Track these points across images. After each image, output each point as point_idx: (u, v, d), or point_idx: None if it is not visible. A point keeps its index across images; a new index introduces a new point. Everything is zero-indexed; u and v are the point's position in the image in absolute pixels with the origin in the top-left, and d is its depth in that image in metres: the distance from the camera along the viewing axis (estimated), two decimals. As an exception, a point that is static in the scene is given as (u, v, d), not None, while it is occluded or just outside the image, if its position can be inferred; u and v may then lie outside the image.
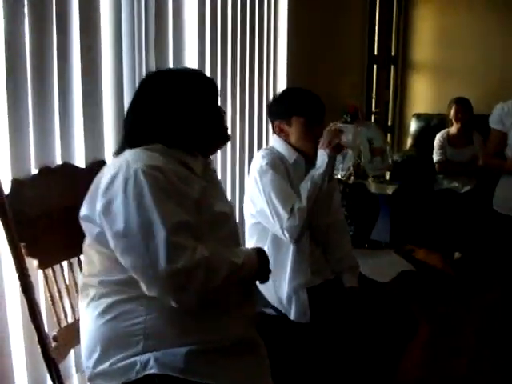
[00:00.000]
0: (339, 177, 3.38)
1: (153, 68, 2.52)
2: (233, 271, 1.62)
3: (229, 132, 1.97)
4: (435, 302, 4.02)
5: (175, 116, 1.75)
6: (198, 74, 1.90)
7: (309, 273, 2.52)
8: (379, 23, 5.41)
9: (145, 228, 1.50)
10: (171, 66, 2.68)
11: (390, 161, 3.49)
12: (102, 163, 2.16)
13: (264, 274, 1.84)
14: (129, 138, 1.77)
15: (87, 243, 1.71)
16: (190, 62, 2.79)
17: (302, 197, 2.40)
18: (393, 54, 6.14)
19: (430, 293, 4.05)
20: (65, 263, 1.95)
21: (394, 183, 4.86)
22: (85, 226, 1.67)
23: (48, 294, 1.86)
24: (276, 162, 2.45)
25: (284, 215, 2.37)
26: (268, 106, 2.64)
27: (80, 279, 1.82)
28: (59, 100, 2.04)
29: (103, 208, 1.56)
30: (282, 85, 3.54)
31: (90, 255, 1.69)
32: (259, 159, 2.48)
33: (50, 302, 1.86)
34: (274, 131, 2.59)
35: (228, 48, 3.04)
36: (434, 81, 6.21)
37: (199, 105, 1.79)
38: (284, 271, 2.51)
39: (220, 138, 1.91)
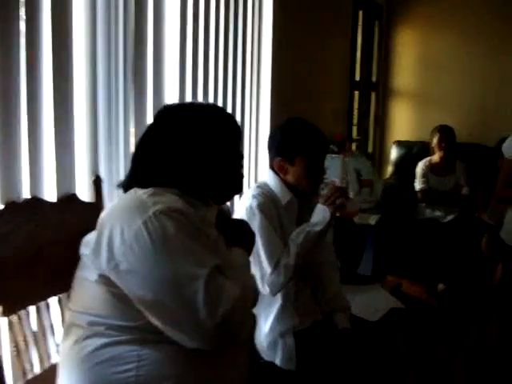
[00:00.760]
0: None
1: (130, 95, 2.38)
2: (253, 296, 1.65)
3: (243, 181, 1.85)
4: (422, 340, 3.89)
5: (195, 158, 1.62)
6: (219, 110, 1.77)
7: (296, 316, 2.39)
8: (361, 49, 5.33)
9: (178, 276, 1.37)
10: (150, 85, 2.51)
11: (379, 193, 3.35)
12: (74, 197, 2.01)
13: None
14: (139, 177, 1.63)
15: (83, 277, 1.52)
16: (171, 87, 2.63)
17: (291, 252, 2.28)
18: (374, 80, 6.06)
19: (417, 330, 3.92)
20: (32, 308, 1.78)
21: (376, 213, 4.74)
22: (87, 262, 1.50)
23: (13, 344, 1.68)
24: (267, 205, 2.31)
25: (267, 268, 2.25)
26: (270, 139, 2.46)
27: (67, 315, 1.63)
28: (28, 127, 1.88)
29: (117, 255, 1.40)
30: (265, 110, 3.40)
31: (93, 291, 1.49)
32: (249, 199, 2.33)
33: (15, 352, 1.68)
34: (271, 166, 2.44)
35: (210, 72, 2.89)
36: (415, 108, 6.14)
37: (222, 147, 1.67)
38: (269, 315, 2.38)
39: (235, 186, 1.77)
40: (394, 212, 5.15)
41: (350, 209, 2.36)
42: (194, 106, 1.73)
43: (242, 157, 1.78)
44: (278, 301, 2.35)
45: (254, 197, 2.31)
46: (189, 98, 2.72)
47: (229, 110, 3.14)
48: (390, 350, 2.46)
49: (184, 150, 1.61)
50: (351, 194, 3.25)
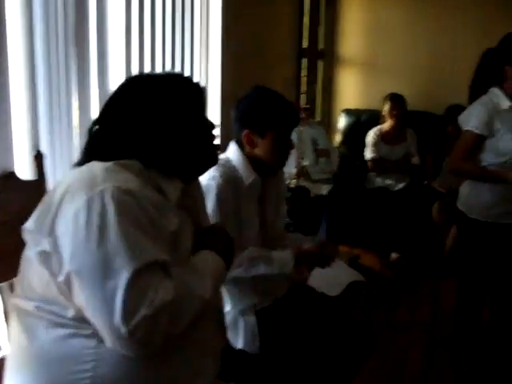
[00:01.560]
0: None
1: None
2: (201, 308, 1.38)
3: (218, 152, 1.69)
4: (379, 311, 3.87)
5: (158, 128, 1.48)
6: (183, 79, 1.60)
7: (254, 295, 2.29)
8: (309, 15, 5.18)
9: (104, 265, 1.23)
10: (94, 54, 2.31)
11: (336, 163, 3.23)
12: (12, 175, 1.83)
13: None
14: (98, 149, 1.48)
15: (29, 257, 1.37)
16: (116, 52, 2.43)
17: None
18: (320, 47, 5.93)
19: (373, 301, 3.88)
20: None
21: (328, 183, 4.66)
22: (30, 238, 1.36)
23: None
24: (224, 189, 2.14)
25: None
26: (238, 109, 2.25)
27: (11, 302, 1.49)
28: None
29: (55, 229, 1.28)
30: (215, 80, 3.22)
31: (37, 272, 1.35)
32: (209, 179, 2.14)
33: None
34: (237, 138, 2.26)
35: (158, 44, 2.69)
36: (363, 75, 6.04)
37: (185, 116, 1.53)
38: (228, 293, 2.28)
39: (207, 159, 1.63)
40: (344, 182, 5.08)
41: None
42: (157, 75, 1.61)
43: (212, 126, 1.64)
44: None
45: (213, 178, 2.14)
46: (135, 65, 2.52)
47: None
48: (355, 324, 2.40)
49: (147, 120, 1.47)
50: (308, 164, 3.14)
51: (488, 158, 2.76)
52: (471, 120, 2.79)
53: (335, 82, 6.14)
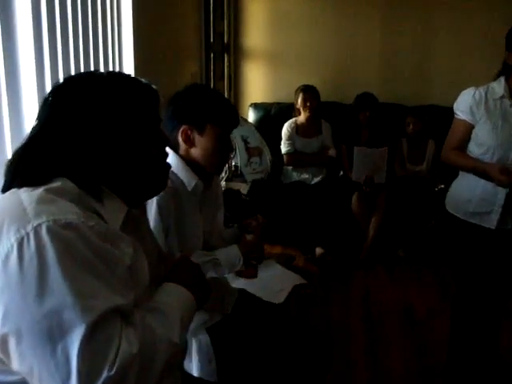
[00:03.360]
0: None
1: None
2: (171, 354, 1.18)
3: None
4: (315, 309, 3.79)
5: (99, 140, 1.23)
6: (132, 80, 1.34)
7: (203, 312, 2.11)
8: (213, 8, 4.98)
9: (49, 323, 1.00)
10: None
11: (268, 161, 3.06)
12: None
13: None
14: (26, 171, 1.21)
15: None
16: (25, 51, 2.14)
17: None
18: (225, 41, 5.75)
19: (308, 300, 3.78)
20: None
21: (246, 181, 4.50)
22: None
23: None
24: (165, 202, 1.93)
25: None
26: (174, 105, 2.02)
27: None
28: None
29: None
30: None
31: None
32: None
33: None
34: (172, 138, 2.01)
35: (70, 43, 2.41)
36: (269, 68, 5.92)
37: (134, 126, 1.27)
38: None
39: (157, 181, 1.39)
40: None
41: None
42: (99, 74, 1.33)
43: (166, 141, 1.40)
44: None
45: None
46: (47, 63, 2.22)
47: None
48: (310, 332, 2.29)
49: (86, 129, 1.22)
50: (240, 165, 2.95)
51: (471, 149, 2.61)
52: (458, 105, 2.63)
53: (242, 76, 5.99)
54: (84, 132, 1.21)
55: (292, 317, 2.48)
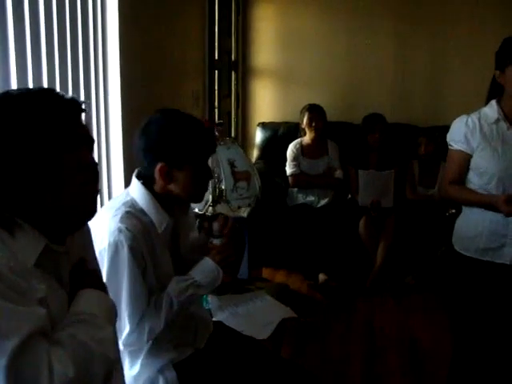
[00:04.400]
0: (196, 210, 2.74)
1: None
2: (108, 370, 1.15)
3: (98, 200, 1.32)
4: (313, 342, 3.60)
5: (5, 166, 1.12)
6: (46, 98, 1.18)
7: (171, 349, 1.96)
8: (218, 25, 4.86)
9: None
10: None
11: (257, 187, 2.89)
12: None
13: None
14: None
15: None
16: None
17: (162, 316, 1.82)
18: (233, 58, 5.61)
19: (307, 331, 3.59)
20: None
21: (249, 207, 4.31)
22: None
23: None
24: (137, 243, 1.78)
25: (126, 326, 1.80)
26: (147, 139, 1.85)
27: None
28: None
29: None
30: (114, 103, 2.80)
31: None
32: (114, 232, 1.76)
33: None
34: (145, 171, 1.88)
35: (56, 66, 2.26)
36: (278, 87, 5.76)
37: (48, 148, 1.14)
38: (138, 353, 1.92)
39: (81, 213, 1.26)
40: (264, 200, 4.77)
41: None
42: (6, 96, 1.17)
43: (94, 165, 1.25)
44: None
45: (120, 230, 1.75)
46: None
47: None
48: (292, 370, 2.10)
49: None
50: (225, 190, 2.78)
51: (472, 179, 2.42)
52: (451, 135, 2.44)
53: (250, 94, 5.85)
54: None
55: (276, 353, 2.29)
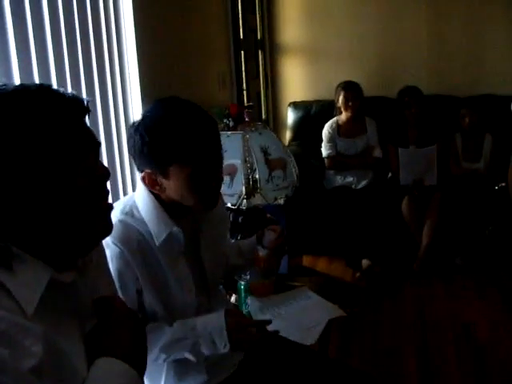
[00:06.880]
0: (229, 204, 2.51)
1: None
2: None
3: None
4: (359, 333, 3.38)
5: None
6: (46, 93, 0.97)
7: (203, 371, 1.68)
8: (242, 2, 4.60)
9: None
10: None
11: (294, 174, 2.66)
12: None
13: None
14: None
15: None
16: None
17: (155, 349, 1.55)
18: (259, 37, 5.36)
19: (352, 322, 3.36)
20: None
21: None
22: None
23: None
24: (125, 256, 1.53)
25: None
26: (129, 141, 1.58)
27: None
28: None
29: None
30: (134, 92, 2.60)
31: None
32: (107, 243, 1.49)
33: None
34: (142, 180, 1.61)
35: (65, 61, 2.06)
36: (308, 64, 5.49)
37: (52, 161, 0.93)
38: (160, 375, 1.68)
39: (95, 231, 1.04)
40: (300, 184, 4.54)
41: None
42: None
43: (105, 174, 1.04)
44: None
45: (106, 245, 1.44)
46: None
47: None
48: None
49: None
50: (259, 180, 2.55)
51: None
52: None
53: (278, 73, 5.59)
54: None
55: (326, 359, 2.07)
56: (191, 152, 1.52)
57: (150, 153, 1.51)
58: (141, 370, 1.03)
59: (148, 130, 1.51)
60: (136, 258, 1.53)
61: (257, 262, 1.87)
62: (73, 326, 0.99)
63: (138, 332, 1.07)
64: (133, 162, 1.62)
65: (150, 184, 1.57)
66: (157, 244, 1.57)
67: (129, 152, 1.60)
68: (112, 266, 1.48)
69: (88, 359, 0.98)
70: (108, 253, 1.43)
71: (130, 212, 1.59)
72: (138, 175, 1.61)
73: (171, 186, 1.55)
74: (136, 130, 1.54)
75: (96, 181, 1.00)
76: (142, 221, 1.58)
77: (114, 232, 1.30)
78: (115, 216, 1.55)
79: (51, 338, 0.89)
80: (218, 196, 1.68)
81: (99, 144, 1.04)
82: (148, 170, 1.55)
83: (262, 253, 1.88)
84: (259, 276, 2.27)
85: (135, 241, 1.54)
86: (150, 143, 1.50)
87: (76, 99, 0.99)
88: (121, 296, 1.46)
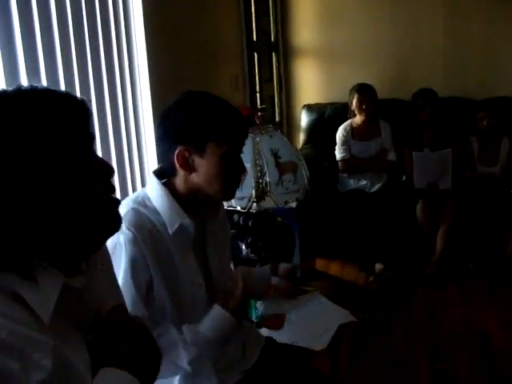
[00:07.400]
0: (238, 208, 2.49)
1: None
2: None
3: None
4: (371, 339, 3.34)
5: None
6: (52, 96, 0.96)
7: (213, 374, 1.68)
8: (255, 5, 4.59)
9: None
10: None
11: (305, 178, 2.63)
12: None
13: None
14: None
15: None
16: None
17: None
18: (272, 39, 5.34)
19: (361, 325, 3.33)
20: None
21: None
22: None
23: None
24: (137, 246, 1.52)
25: None
26: (164, 123, 1.62)
27: None
28: None
29: None
30: (144, 94, 2.59)
31: None
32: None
33: None
34: (164, 164, 1.65)
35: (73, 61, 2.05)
36: (322, 66, 5.46)
37: (60, 161, 0.92)
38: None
39: (103, 228, 1.02)
40: (313, 187, 4.51)
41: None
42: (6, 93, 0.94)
43: (109, 171, 1.03)
44: (181, 357, 1.58)
45: (121, 233, 1.48)
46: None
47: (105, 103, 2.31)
48: None
49: None
50: (269, 184, 2.53)
51: None
52: None
53: (292, 76, 5.56)
54: None
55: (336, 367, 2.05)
56: (229, 130, 1.59)
57: (189, 128, 1.56)
58: (148, 381, 1.02)
59: (187, 107, 1.58)
60: (147, 245, 1.53)
61: (269, 288, 1.88)
62: (80, 334, 0.98)
63: (146, 342, 1.06)
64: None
65: (181, 162, 1.57)
66: (170, 232, 1.58)
67: (160, 136, 1.63)
68: (125, 253, 1.50)
69: (92, 369, 0.97)
70: (122, 239, 1.49)
71: (143, 202, 1.60)
72: (148, 172, 1.63)
73: (203, 165, 1.58)
74: (173, 109, 1.60)
75: (101, 178, 1.00)
76: (154, 210, 1.59)
77: (127, 218, 1.43)
78: (127, 205, 1.58)
79: (60, 350, 0.88)
80: (236, 189, 1.71)
81: (93, 136, 1.03)
82: (182, 147, 1.56)
83: (274, 281, 1.91)
84: (271, 309, 2.27)
85: (146, 229, 1.55)
86: (190, 118, 1.56)
87: (79, 101, 0.98)
88: (130, 287, 1.49)
